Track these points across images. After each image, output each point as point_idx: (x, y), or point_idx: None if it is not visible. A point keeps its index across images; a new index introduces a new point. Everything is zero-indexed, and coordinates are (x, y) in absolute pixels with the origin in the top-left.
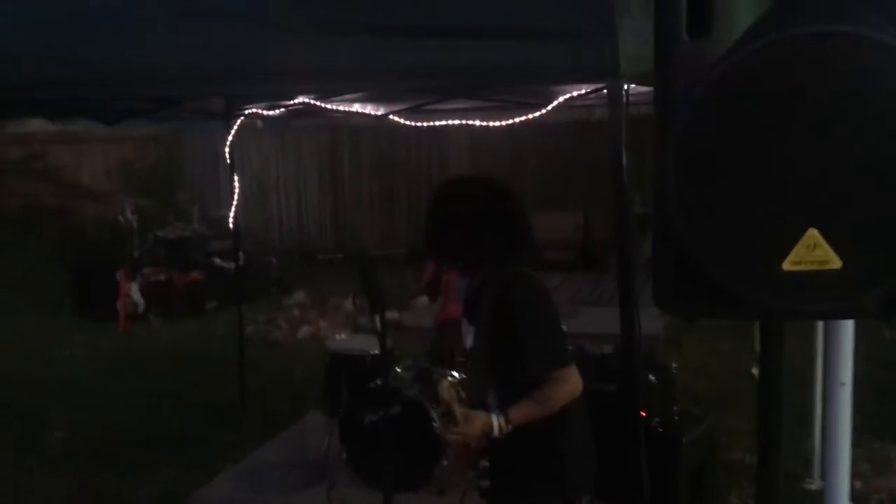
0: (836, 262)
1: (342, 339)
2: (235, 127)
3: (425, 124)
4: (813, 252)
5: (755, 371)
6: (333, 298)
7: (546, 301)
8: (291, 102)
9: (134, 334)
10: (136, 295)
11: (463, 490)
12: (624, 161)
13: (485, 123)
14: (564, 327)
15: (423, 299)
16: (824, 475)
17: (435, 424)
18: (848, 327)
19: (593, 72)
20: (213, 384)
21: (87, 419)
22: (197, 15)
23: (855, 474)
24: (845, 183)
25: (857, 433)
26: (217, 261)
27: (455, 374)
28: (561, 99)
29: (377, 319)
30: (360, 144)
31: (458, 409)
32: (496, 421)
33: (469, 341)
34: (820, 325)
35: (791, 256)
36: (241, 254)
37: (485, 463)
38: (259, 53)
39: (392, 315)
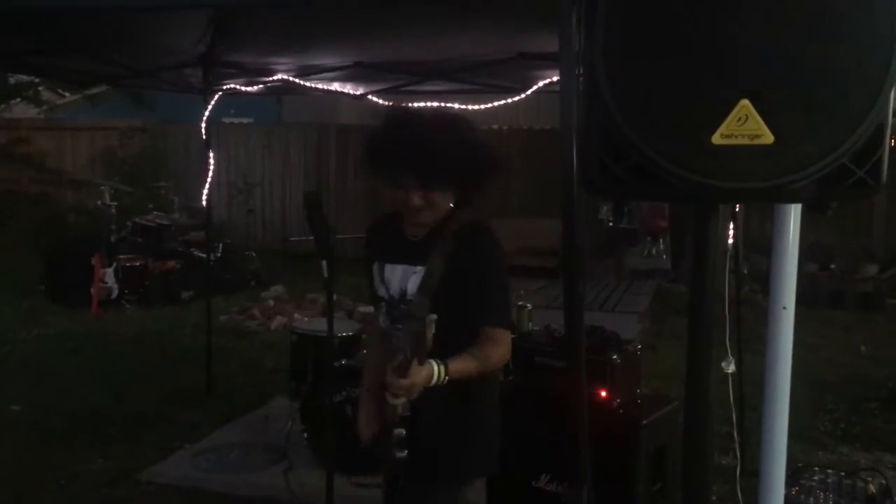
0: (768, 137)
1: (309, 321)
2: (213, 102)
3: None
4: (744, 125)
5: (724, 365)
6: (311, 294)
7: (504, 260)
8: (271, 79)
9: (105, 319)
10: (111, 280)
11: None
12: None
13: (463, 106)
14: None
15: None
16: (763, 399)
17: None
18: (793, 251)
19: None
20: (180, 370)
21: (47, 396)
22: None
23: None
24: (780, 55)
25: (825, 438)
26: (195, 251)
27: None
28: (540, 84)
29: (325, 264)
30: (347, 143)
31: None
32: (436, 368)
33: (412, 284)
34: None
35: (721, 129)
36: (219, 245)
37: (400, 432)
38: None
39: (367, 309)
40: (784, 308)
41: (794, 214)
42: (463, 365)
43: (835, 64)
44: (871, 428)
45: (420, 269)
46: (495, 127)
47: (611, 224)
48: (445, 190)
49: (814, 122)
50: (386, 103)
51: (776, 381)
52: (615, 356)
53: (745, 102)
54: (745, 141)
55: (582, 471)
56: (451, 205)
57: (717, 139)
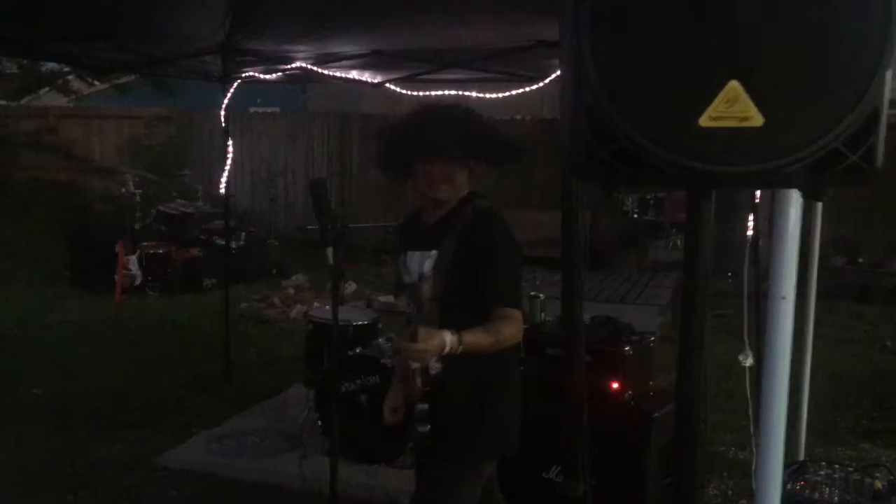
0: (757, 119)
1: (326, 309)
2: (232, 90)
3: (422, 93)
4: (733, 106)
5: (741, 358)
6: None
7: (516, 244)
8: (289, 67)
9: (128, 306)
10: (135, 267)
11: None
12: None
13: (481, 95)
14: None
15: None
16: (759, 386)
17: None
18: (792, 241)
19: None
20: (200, 357)
21: (67, 380)
22: None
23: None
24: (771, 35)
25: (846, 434)
26: (217, 239)
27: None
28: (559, 72)
29: (329, 252)
30: (369, 132)
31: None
32: (449, 338)
33: (427, 266)
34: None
35: (709, 111)
36: (242, 234)
37: (424, 407)
38: None
39: (387, 298)
40: (783, 298)
41: (795, 201)
42: (476, 337)
43: (829, 45)
44: (894, 424)
45: (434, 253)
46: (518, 117)
47: (636, 216)
48: (461, 163)
49: (806, 105)
50: (405, 92)
51: (774, 372)
52: (627, 348)
53: (734, 83)
54: (734, 123)
55: (581, 464)
56: (464, 192)
57: (704, 121)
